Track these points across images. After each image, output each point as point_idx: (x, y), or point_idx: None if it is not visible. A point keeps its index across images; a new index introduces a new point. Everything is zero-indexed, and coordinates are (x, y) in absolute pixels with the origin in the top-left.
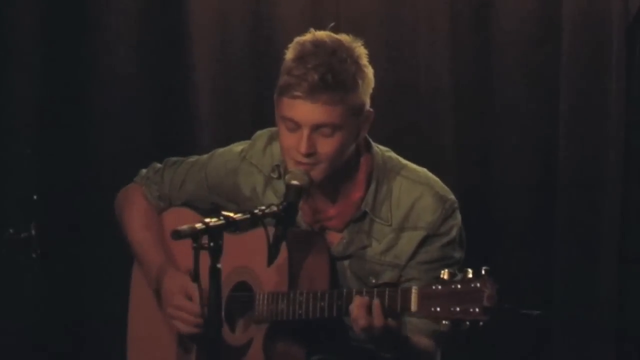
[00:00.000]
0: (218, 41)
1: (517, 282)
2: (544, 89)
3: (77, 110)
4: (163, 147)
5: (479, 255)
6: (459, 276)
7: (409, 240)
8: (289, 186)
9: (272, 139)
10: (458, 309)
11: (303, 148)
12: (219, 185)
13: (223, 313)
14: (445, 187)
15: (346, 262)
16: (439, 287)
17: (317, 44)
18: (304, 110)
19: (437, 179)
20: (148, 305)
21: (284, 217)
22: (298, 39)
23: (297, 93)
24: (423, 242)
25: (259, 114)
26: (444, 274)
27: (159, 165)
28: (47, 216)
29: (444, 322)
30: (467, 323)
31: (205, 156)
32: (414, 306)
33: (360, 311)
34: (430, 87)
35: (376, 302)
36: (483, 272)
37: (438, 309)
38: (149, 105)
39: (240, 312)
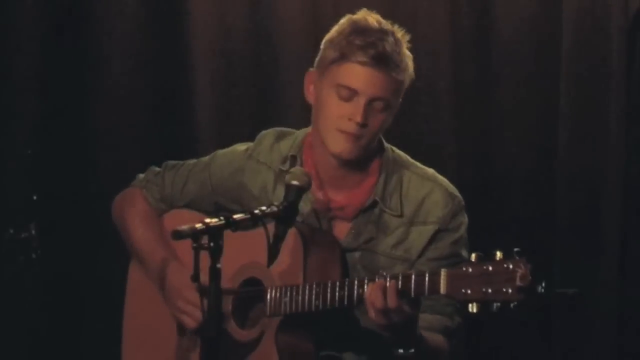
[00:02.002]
0: (218, 41)
1: None
2: (544, 89)
3: (77, 110)
4: (163, 147)
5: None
6: (488, 258)
7: (420, 235)
8: (289, 186)
9: (279, 138)
10: (490, 290)
11: (359, 117)
12: (223, 185)
13: (231, 309)
14: (453, 186)
15: (357, 255)
16: (469, 268)
17: (377, 20)
18: (367, 76)
19: (444, 178)
20: (146, 305)
21: (284, 217)
22: (350, 16)
23: (363, 59)
24: (434, 238)
25: (259, 114)
26: (473, 257)
27: (157, 168)
28: (47, 216)
29: (471, 304)
30: (498, 304)
31: (206, 158)
32: (443, 288)
33: (375, 293)
34: (430, 87)
35: (391, 283)
36: (514, 252)
37: (469, 290)
38: (149, 105)
39: (250, 308)
